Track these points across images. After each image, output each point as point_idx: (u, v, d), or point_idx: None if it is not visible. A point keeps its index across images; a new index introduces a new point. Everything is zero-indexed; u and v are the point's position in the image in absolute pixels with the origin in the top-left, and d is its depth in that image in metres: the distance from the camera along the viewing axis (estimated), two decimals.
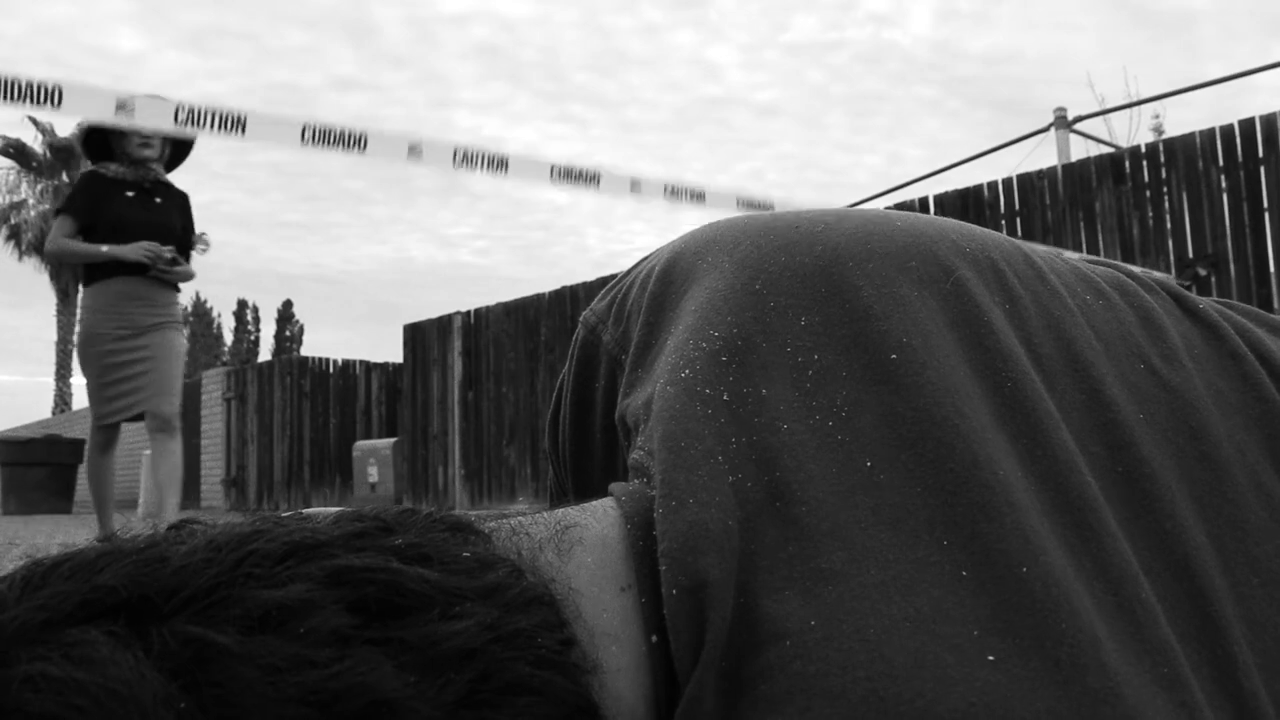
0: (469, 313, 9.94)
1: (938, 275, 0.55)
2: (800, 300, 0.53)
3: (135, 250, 4.10)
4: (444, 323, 10.17)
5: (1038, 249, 0.62)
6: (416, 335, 10.47)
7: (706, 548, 0.43)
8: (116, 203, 4.13)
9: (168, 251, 4.13)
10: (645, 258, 0.66)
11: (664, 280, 0.60)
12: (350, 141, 3.59)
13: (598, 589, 0.45)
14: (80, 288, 4.21)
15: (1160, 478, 0.51)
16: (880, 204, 7.10)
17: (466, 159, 3.49)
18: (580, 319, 0.67)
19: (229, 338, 46.49)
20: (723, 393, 0.50)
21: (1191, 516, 0.51)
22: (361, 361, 13.22)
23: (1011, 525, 0.44)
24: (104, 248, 4.04)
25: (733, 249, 0.58)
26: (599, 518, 0.48)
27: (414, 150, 3.71)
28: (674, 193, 4.14)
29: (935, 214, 6.44)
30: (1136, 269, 0.65)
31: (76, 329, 4.22)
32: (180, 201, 4.36)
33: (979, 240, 0.59)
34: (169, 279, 4.21)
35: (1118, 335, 0.57)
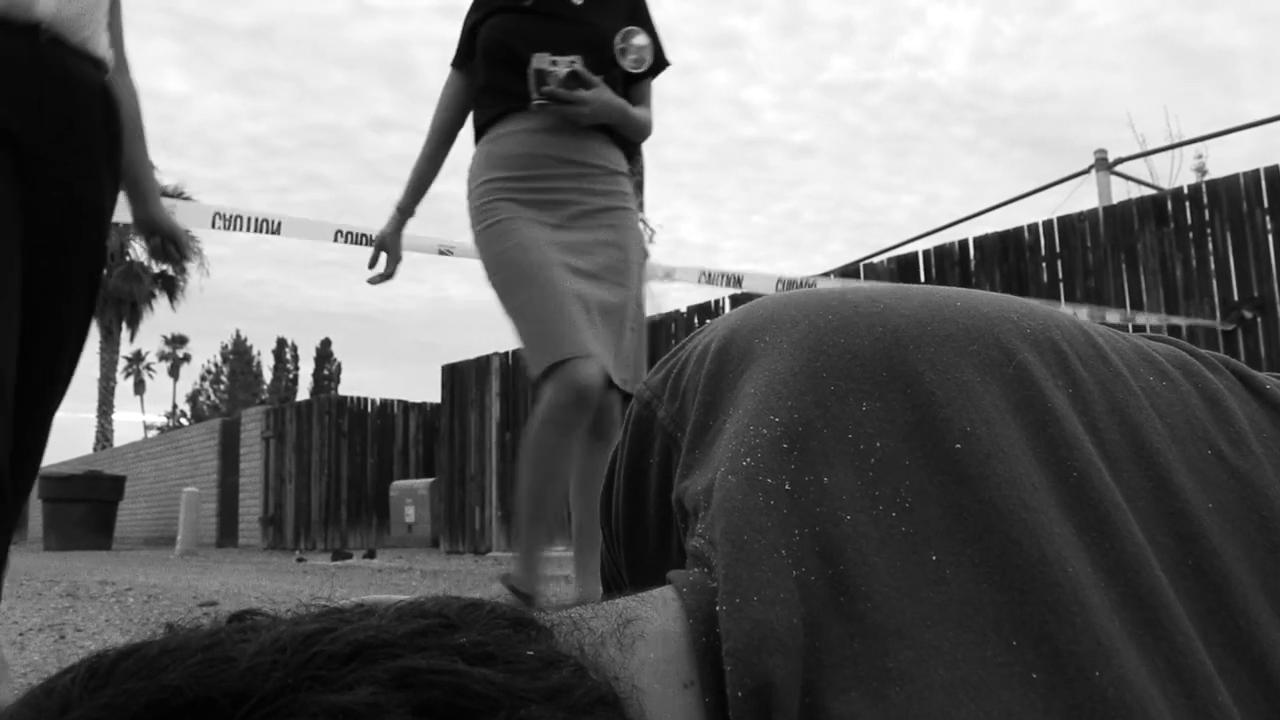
0: (507, 354, 9.99)
1: (999, 359, 0.54)
2: (861, 385, 0.53)
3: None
4: (482, 364, 10.22)
5: (1099, 327, 0.61)
6: (454, 376, 10.53)
7: (772, 648, 0.43)
8: (505, 13, 2.48)
9: (561, 62, 2.36)
10: (699, 331, 0.66)
11: (720, 358, 0.59)
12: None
13: (661, 687, 0.44)
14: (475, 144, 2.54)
15: (1232, 571, 0.50)
16: (919, 246, 7.07)
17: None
18: (634, 393, 0.67)
19: (268, 376, 47.00)
20: (784, 481, 0.49)
21: (1266, 613, 0.49)
22: (399, 401, 13.32)
23: (1083, 626, 0.43)
24: (396, 201, 2.63)
25: (790, 329, 0.57)
26: (660, 610, 0.48)
27: (444, 251, 3.87)
28: None
29: (975, 255, 6.41)
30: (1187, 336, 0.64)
31: (472, 222, 2.46)
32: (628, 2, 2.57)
33: (1040, 320, 0.58)
34: (570, 112, 2.39)
35: (1183, 419, 0.56)
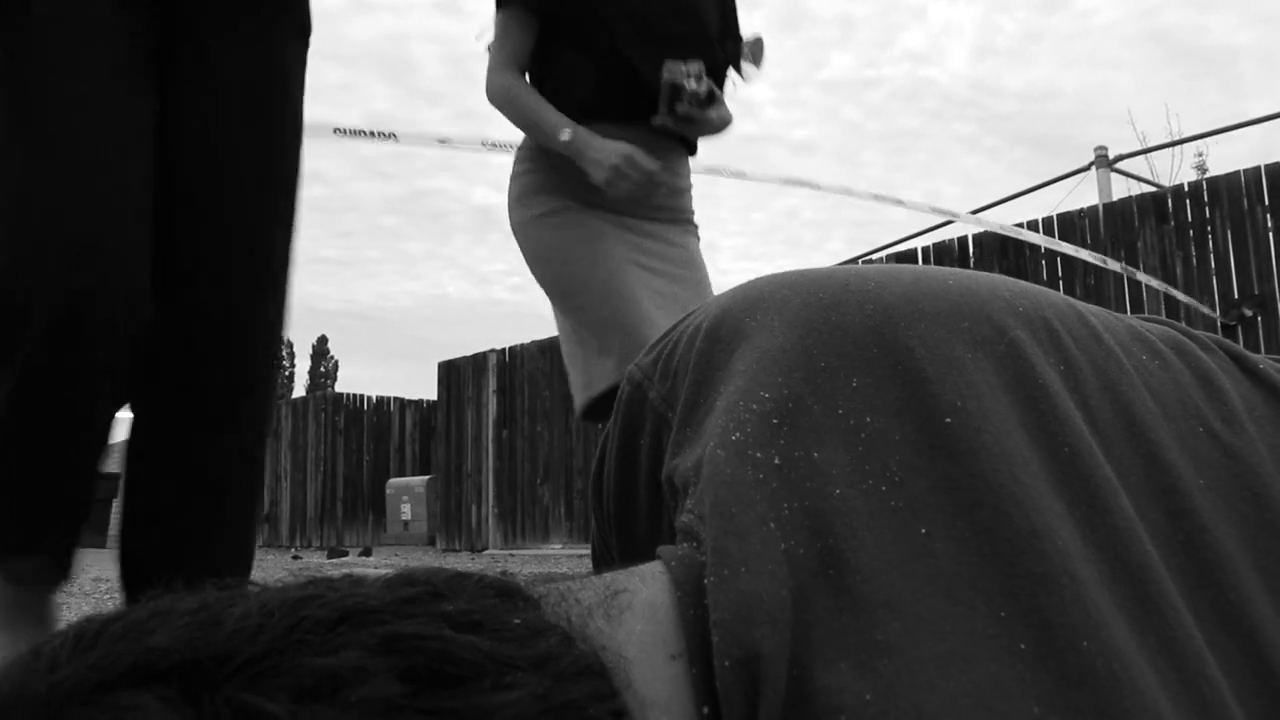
0: (504, 350, 9.99)
1: (991, 336, 0.54)
2: (852, 361, 0.53)
3: (615, 161, 1.82)
4: (479, 360, 10.22)
5: (1092, 307, 0.61)
6: (451, 373, 10.53)
7: (760, 619, 0.43)
8: None
9: (692, 73, 1.88)
10: (691, 313, 0.66)
11: (711, 337, 0.59)
12: (383, 135, 3.59)
13: (648, 657, 0.44)
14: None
15: (1223, 546, 0.50)
16: (919, 243, 7.08)
17: (495, 145, 3.44)
18: (625, 374, 0.67)
19: None
20: (774, 456, 0.49)
21: (1256, 587, 0.49)
22: (396, 398, 13.32)
23: (1072, 597, 0.43)
24: (564, 134, 1.87)
25: (782, 307, 0.57)
26: (648, 583, 0.47)
27: (444, 140, 3.70)
28: None
29: (974, 252, 6.42)
30: (1182, 314, 0.64)
31: (518, 207, 2.03)
32: None
33: (1032, 299, 0.58)
34: (691, 131, 2.00)
35: (1175, 397, 0.56)
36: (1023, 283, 0.61)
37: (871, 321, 0.54)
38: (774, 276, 0.62)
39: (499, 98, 1.97)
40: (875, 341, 0.53)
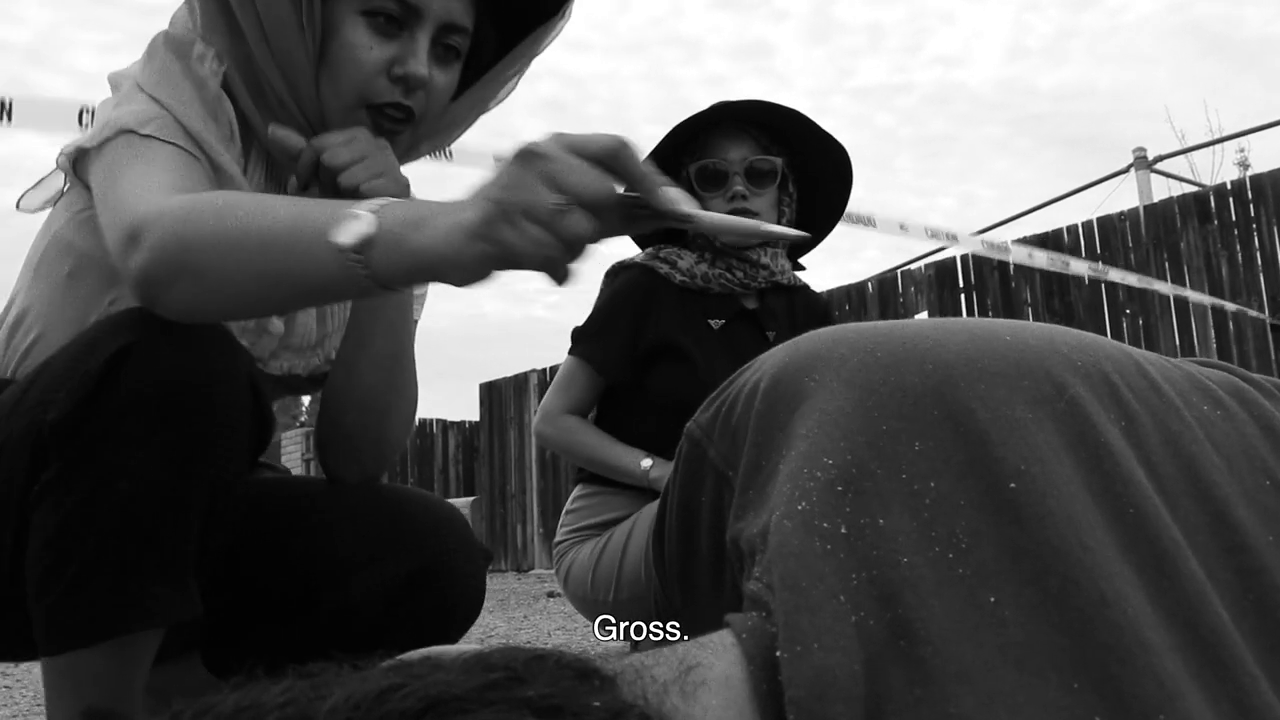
0: (545, 370, 10.02)
1: (1051, 394, 0.54)
2: (913, 424, 0.53)
3: None
4: (520, 380, 10.26)
5: (1149, 355, 0.61)
6: (492, 393, 10.58)
7: (834, 696, 0.43)
8: (689, 339, 1.82)
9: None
10: (747, 367, 0.66)
11: (770, 398, 0.60)
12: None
13: None
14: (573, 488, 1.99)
15: None
16: (956, 251, 7.02)
17: None
18: (684, 431, 0.67)
19: (305, 398, 47.28)
20: (840, 525, 0.50)
21: None
22: (438, 420, 13.38)
23: (1144, 667, 0.43)
24: (645, 463, 1.79)
25: (840, 366, 0.57)
26: (720, 656, 0.48)
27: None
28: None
29: (1014, 260, 6.34)
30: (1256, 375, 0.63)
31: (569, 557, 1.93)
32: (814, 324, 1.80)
33: (1090, 352, 0.58)
34: None
35: (1240, 450, 0.56)
36: (1078, 332, 0.61)
37: (931, 381, 0.54)
38: (829, 332, 0.63)
39: (560, 443, 1.92)
40: (935, 403, 0.53)
